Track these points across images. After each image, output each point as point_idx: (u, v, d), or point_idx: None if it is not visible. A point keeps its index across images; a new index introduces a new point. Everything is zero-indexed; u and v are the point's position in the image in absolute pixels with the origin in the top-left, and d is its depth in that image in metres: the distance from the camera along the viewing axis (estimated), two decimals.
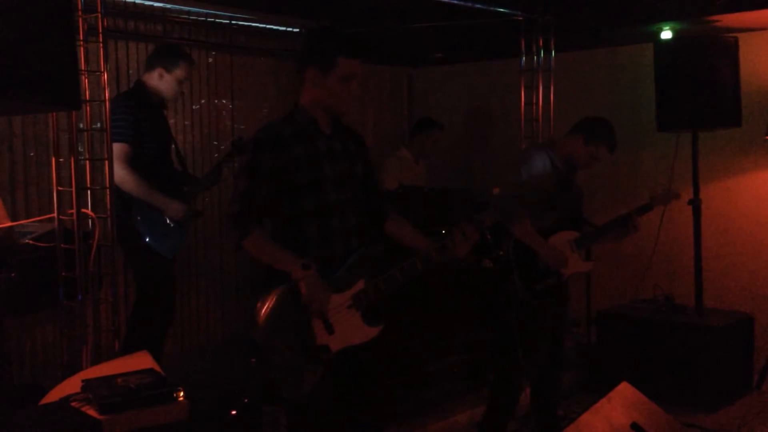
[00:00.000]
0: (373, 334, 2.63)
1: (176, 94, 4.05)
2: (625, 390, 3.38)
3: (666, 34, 5.05)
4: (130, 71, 4.68)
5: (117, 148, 3.65)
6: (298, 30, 5.54)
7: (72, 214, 3.36)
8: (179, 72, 3.94)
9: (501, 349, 3.63)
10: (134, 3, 4.65)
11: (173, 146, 4.16)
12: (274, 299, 2.51)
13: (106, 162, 3.47)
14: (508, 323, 3.48)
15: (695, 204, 4.77)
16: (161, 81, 3.93)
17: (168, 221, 3.87)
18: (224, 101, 5.29)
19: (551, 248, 3.54)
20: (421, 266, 2.68)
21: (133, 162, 3.74)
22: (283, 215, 2.60)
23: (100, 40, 3.43)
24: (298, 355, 2.50)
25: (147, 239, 3.76)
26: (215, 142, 5.24)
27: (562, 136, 3.80)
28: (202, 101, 5.16)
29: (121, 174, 3.67)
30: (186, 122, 5.06)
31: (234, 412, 3.65)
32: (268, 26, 5.42)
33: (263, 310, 2.50)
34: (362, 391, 2.72)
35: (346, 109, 2.66)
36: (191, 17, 4.95)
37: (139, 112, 3.82)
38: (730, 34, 4.72)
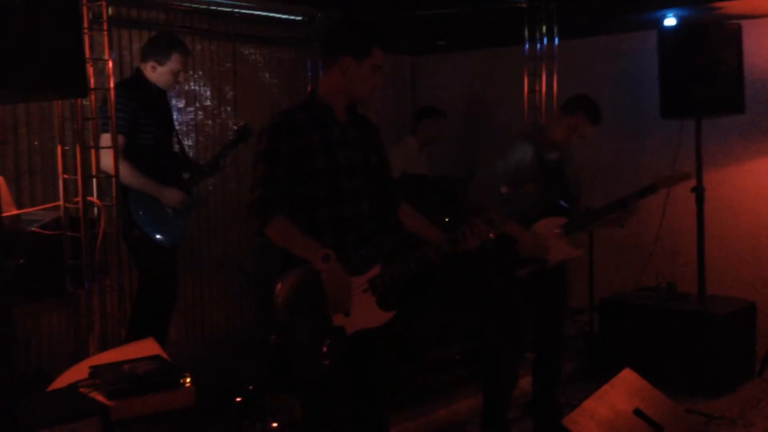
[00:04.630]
0: (387, 318, 2.67)
1: (172, 85, 3.97)
2: (628, 376, 3.41)
3: (669, 21, 5.04)
4: (134, 59, 4.68)
5: (106, 137, 3.63)
6: (300, 18, 5.54)
7: (77, 202, 3.38)
8: (172, 64, 3.86)
9: (487, 337, 3.65)
10: None
11: (175, 135, 4.16)
12: (293, 281, 2.55)
13: (111, 150, 3.48)
14: (491, 311, 3.49)
15: (698, 191, 4.77)
16: (155, 73, 3.87)
17: (167, 210, 3.87)
18: (226, 89, 5.29)
19: (531, 235, 3.53)
20: (434, 256, 2.71)
21: (128, 152, 3.71)
22: (296, 201, 2.62)
23: (105, 28, 3.44)
24: (315, 336, 2.54)
25: (144, 228, 3.75)
26: (218, 131, 5.24)
27: (547, 122, 3.79)
28: (204, 89, 5.16)
29: (107, 161, 3.64)
30: (189, 110, 5.07)
31: (239, 399, 3.68)
32: (270, 14, 5.41)
33: (282, 291, 2.54)
34: (371, 375, 2.76)
35: (370, 97, 2.73)
36: (193, 5, 4.94)
37: (135, 102, 3.78)
38: (734, 21, 4.71)
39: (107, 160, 3.55)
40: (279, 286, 2.56)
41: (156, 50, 3.88)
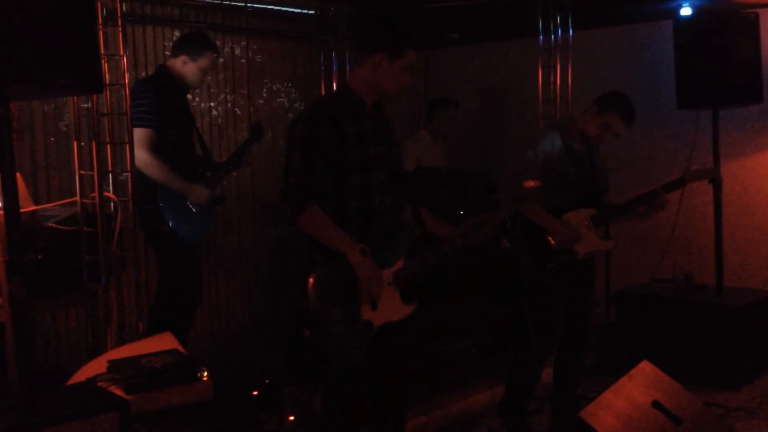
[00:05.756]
0: (409, 311, 2.72)
1: (199, 83, 4.04)
2: (646, 368, 3.38)
3: (685, 11, 4.99)
4: (148, 55, 4.70)
5: (141, 133, 3.67)
6: (313, 12, 5.53)
7: (94, 197, 3.39)
8: (203, 61, 3.93)
9: (516, 329, 3.63)
10: None
11: (195, 132, 4.18)
12: (326, 273, 2.57)
13: (127, 146, 3.50)
14: (521, 303, 3.47)
15: (716, 182, 4.73)
16: (185, 68, 3.92)
17: (191, 206, 3.89)
18: (240, 84, 5.30)
19: (562, 225, 3.51)
20: (450, 250, 2.76)
21: (156, 147, 3.76)
22: (327, 191, 2.62)
23: (119, 24, 3.45)
24: (345, 329, 2.57)
25: (171, 224, 3.78)
26: (232, 126, 5.25)
27: (578, 114, 3.77)
28: (219, 86, 5.17)
29: (144, 159, 3.69)
30: (202, 105, 5.08)
31: (255, 393, 3.69)
32: (283, 9, 5.41)
33: (316, 284, 2.55)
34: (394, 368, 2.79)
35: (397, 96, 2.74)
36: (207, 1, 4.95)
37: (161, 98, 3.82)
38: (750, 10, 4.66)
39: (142, 156, 3.60)
40: (312, 279, 2.56)
41: (191, 46, 3.93)
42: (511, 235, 3.41)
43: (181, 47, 3.97)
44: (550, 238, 3.48)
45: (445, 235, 2.81)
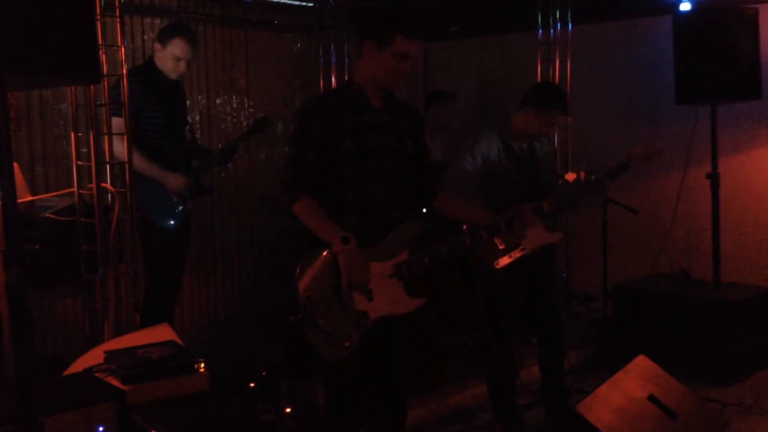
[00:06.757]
0: (416, 305, 2.69)
1: (173, 71, 3.91)
2: (642, 363, 3.40)
3: (685, 6, 4.98)
4: (145, 46, 4.69)
5: (118, 122, 3.66)
6: (312, 4, 5.52)
7: (91, 188, 3.39)
8: (172, 49, 3.84)
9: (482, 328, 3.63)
10: None
11: (187, 122, 4.17)
12: (312, 262, 2.57)
13: (125, 137, 3.50)
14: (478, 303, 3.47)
15: (713, 177, 4.73)
16: (159, 56, 3.89)
17: (171, 195, 3.89)
18: (238, 76, 5.28)
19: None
20: (470, 243, 2.72)
21: (133, 136, 3.73)
22: (325, 182, 2.64)
23: (117, 15, 3.44)
24: (337, 320, 2.56)
25: (146, 212, 3.78)
26: (230, 118, 5.24)
27: (514, 111, 3.75)
28: (217, 76, 5.16)
29: (120, 147, 3.68)
30: (200, 97, 5.07)
31: (252, 385, 3.70)
32: (282, 1, 5.40)
33: (301, 273, 2.55)
34: (394, 361, 2.78)
35: (395, 85, 2.71)
36: None
37: (144, 88, 3.80)
38: (750, 6, 4.66)
39: (119, 146, 3.57)
40: (298, 268, 2.57)
41: (161, 33, 3.91)
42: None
43: (157, 36, 3.95)
44: (496, 240, 3.47)
45: (477, 222, 2.77)
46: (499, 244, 3.38)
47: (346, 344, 2.56)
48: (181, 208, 3.96)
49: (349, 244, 2.53)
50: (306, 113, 2.65)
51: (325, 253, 2.57)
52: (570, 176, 3.26)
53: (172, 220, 3.92)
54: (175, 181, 3.88)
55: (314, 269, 2.57)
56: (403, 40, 2.62)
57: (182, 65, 3.92)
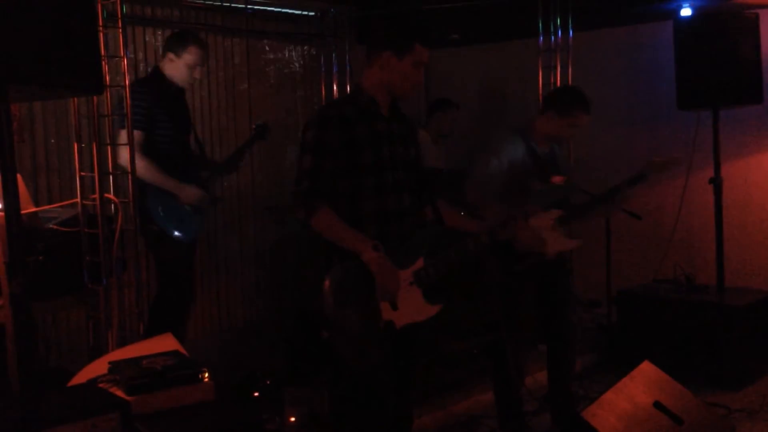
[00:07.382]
0: (434, 312, 2.69)
1: (188, 80, 3.97)
2: (647, 369, 3.38)
3: (686, 12, 4.99)
4: (148, 57, 4.71)
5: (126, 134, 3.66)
6: (313, 14, 5.54)
7: (95, 199, 3.39)
8: (188, 57, 3.88)
9: (490, 332, 3.63)
10: None
11: (192, 132, 4.18)
12: (342, 273, 2.57)
13: (128, 147, 3.50)
14: (492, 306, 3.47)
15: (716, 182, 4.73)
16: (171, 66, 3.91)
17: (185, 207, 3.89)
18: (240, 85, 5.30)
19: (527, 229, 3.49)
20: (473, 248, 2.73)
21: (146, 148, 3.75)
22: (341, 193, 2.63)
23: (120, 25, 3.45)
24: (365, 330, 2.56)
25: (162, 225, 3.78)
26: (233, 128, 5.25)
27: (536, 117, 3.75)
28: (219, 86, 5.17)
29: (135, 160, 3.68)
30: (202, 107, 5.08)
31: (257, 394, 3.69)
32: (283, 10, 5.42)
33: (332, 286, 2.55)
34: (412, 369, 2.80)
35: (413, 93, 2.74)
36: (207, 2, 4.96)
37: (153, 99, 3.81)
38: (751, 11, 4.66)
39: (125, 156, 3.58)
40: (328, 281, 2.56)
41: (174, 42, 3.92)
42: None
43: (166, 46, 3.96)
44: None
45: (470, 231, 2.79)
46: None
47: (375, 353, 2.55)
48: (199, 220, 3.97)
49: (379, 252, 2.52)
50: (323, 123, 2.62)
51: (351, 263, 2.56)
52: (558, 179, 3.28)
53: (190, 232, 3.91)
54: (190, 192, 3.88)
55: (344, 281, 2.56)
56: (421, 48, 2.64)
57: (197, 72, 3.96)
